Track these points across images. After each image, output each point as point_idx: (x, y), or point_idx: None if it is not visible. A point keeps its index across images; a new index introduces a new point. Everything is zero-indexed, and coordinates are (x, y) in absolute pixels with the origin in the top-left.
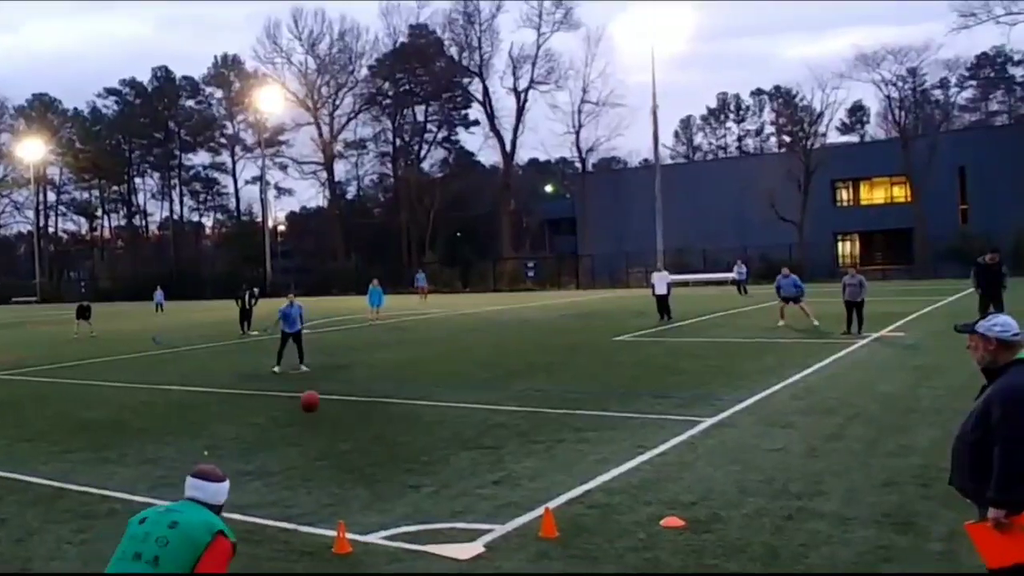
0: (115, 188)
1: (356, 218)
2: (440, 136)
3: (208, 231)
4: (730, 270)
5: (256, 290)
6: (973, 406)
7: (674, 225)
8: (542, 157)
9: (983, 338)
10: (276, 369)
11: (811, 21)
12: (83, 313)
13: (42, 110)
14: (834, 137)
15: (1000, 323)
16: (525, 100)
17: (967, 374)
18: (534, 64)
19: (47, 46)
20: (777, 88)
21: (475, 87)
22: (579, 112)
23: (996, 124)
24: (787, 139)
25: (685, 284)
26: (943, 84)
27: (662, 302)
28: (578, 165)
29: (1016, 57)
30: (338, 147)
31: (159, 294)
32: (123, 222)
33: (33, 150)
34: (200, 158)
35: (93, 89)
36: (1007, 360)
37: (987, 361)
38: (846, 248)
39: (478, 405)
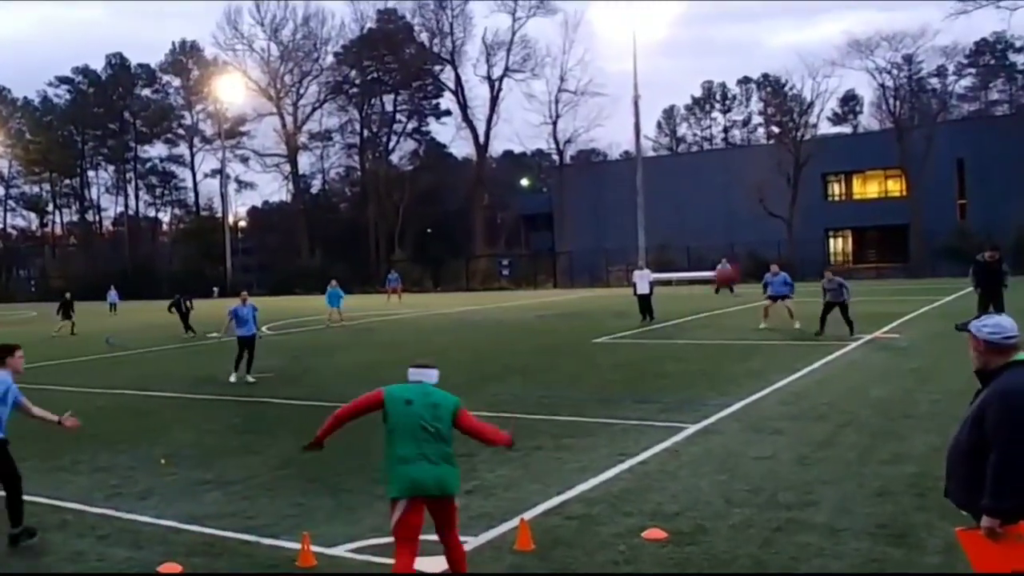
0: (67, 182)
1: (321, 213)
2: (410, 127)
3: (165, 227)
4: (714, 268)
5: (190, 302)
6: (967, 412)
7: (656, 221)
8: (517, 149)
9: (974, 338)
10: (232, 378)
11: (801, 5)
12: (65, 310)
13: None
14: (825, 128)
15: (991, 324)
16: (499, 89)
17: (965, 378)
18: (509, 51)
19: None
20: (765, 76)
21: (447, 75)
22: (556, 102)
23: (996, 114)
24: (776, 130)
25: (668, 283)
26: (940, 72)
27: (644, 302)
28: (555, 158)
29: (1017, 43)
30: (302, 138)
31: (112, 294)
32: (75, 218)
33: None
34: (157, 150)
35: (44, 77)
36: (998, 364)
37: (979, 364)
38: (838, 245)
39: None
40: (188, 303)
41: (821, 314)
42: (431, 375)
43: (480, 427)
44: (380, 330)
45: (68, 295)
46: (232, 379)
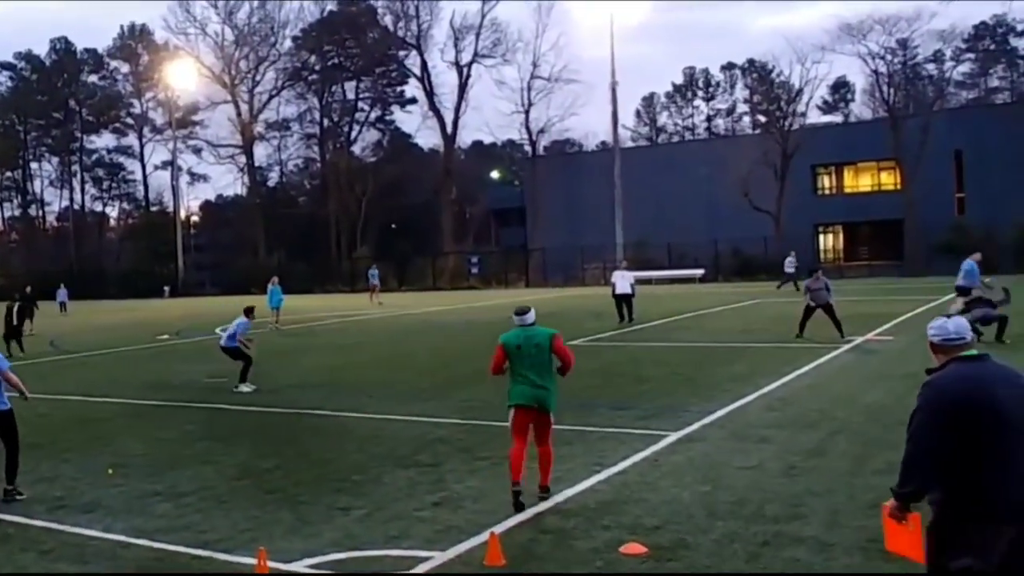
0: (8, 174)
1: (279, 208)
2: (373, 116)
3: (113, 222)
4: (697, 266)
5: (32, 306)
6: None
7: (635, 216)
8: (487, 139)
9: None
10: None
11: None
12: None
13: None
14: (815, 117)
15: (935, 326)
16: (468, 75)
17: None
18: (478, 35)
19: None
20: (751, 62)
21: (412, 61)
22: (529, 89)
23: (996, 102)
24: (762, 119)
25: (648, 282)
26: (937, 57)
27: (623, 302)
28: (528, 148)
29: (1019, 27)
30: (258, 128)
31: (62, 292)
32: (17, 212)
33: None
34: (104, 141)
35: None
36: (942, 362)
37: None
38: (828, 241)
39: (416, 418)
40: (27, 307)
41: (802, 317)
42: (529, 318)
43: (565, 355)
44: (341, 332)
45: (29, 289)
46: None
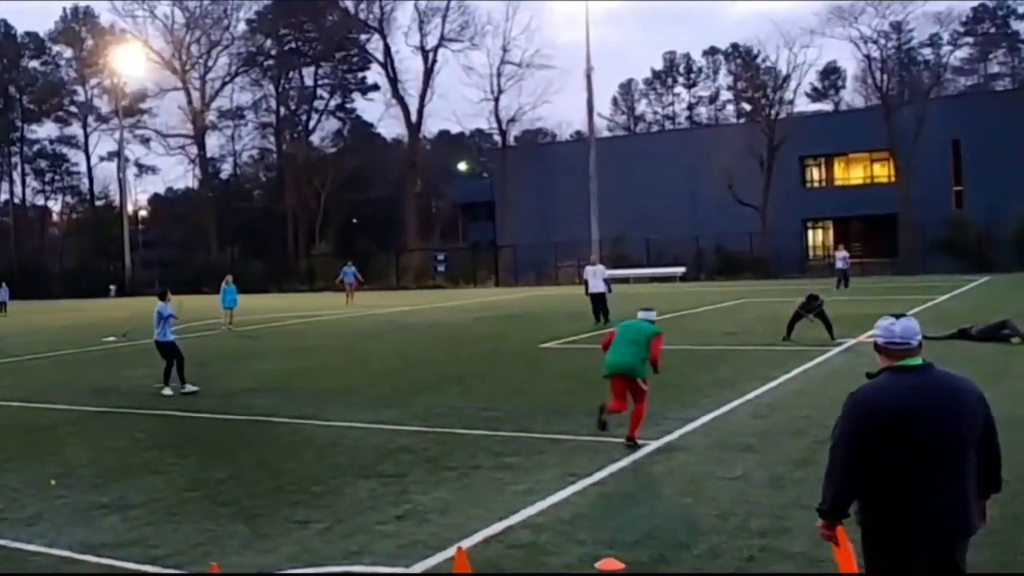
0: None
1: (232, 202)
2: (332, 104)
3: (56, 217)
4: (678, 264)
5: None
6: None
7: (612, 210)
8: (454, 129)
9: None
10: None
11: None
12: None
13: None
14: (803, 105)
15: (881, 326)
16: (434, 61)
17: None
18: (445, 17)
19: None
20: (735, 47)
21: (374, 45)
22: (498, 75)
23: (996, 89)
24: (747, 107)
25: (626, 280)
26: (933, 41)
27: (598, 302)
28: (497, 138)
29: (1020, 9)
30: (211, 117)
31: (2, 292)
32: None
33: None
34: (46, 130)
35: None
36: (882, 367)
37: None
38: (817, 237)
39: (378, 425)
40: None
41: (791, 319)
42: (650, 315)
43: (656, 354)
44: (299, 334)
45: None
46: (167, 392)
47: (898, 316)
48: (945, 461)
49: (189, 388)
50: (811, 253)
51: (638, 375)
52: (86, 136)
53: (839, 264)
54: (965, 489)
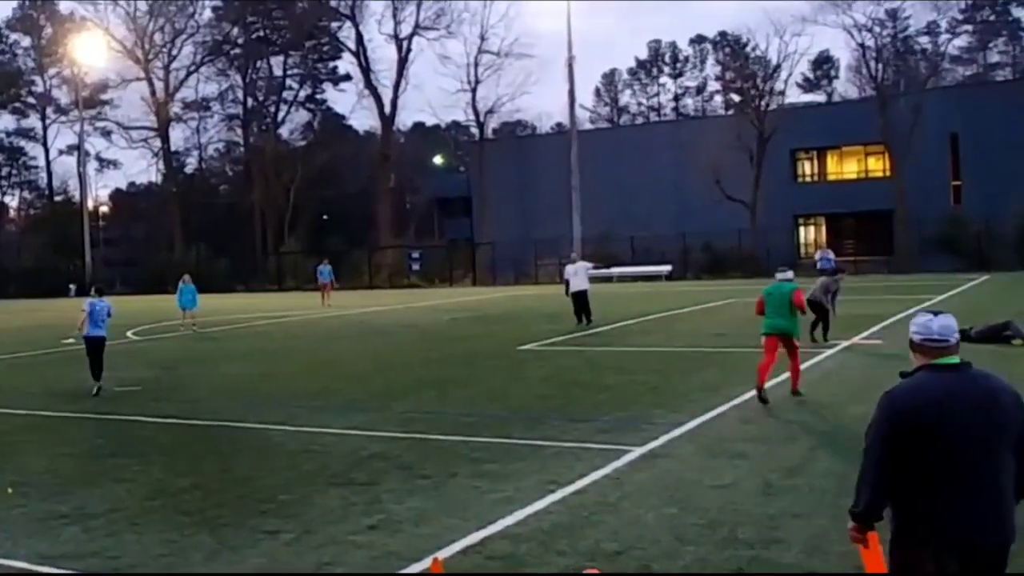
0: None
1: (197, 197)
2: (302, 95)
3: (13, 214)
4: (664, 261)
5: None
6: None
7: (595, 206)
8: (430, 121)
9: None
10: (96, 390)
11: None
12: None
13: None
14: (794, 96)
15: (917, 323)
16: (408, 50)
17: None
18: (420, 5)
19: None
20: (723, 35)
21: (346, 33)
22: (476, 65)
23: (996, 79)
24: (736, 99)
25: (610, 279)
26: (931, 30)
27: (580, 301)
28: (475, 131)
29: None
30: (175, 108)
31: None
32: None
33: None
34: (3, 122)
35: None
36: (917, 365)
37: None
38: (809, 235)
39: (350, 431)
40: None
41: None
42: (787, 275)
43: (800, 303)
44: (267, 335)
45: None
46: (96, 391)
47: (936, 312)
48: (983, 464)
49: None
50: (803, 251)
51: (794, 334)
52: (45, 129)
53: (820, 264)
54: (1004, 494)
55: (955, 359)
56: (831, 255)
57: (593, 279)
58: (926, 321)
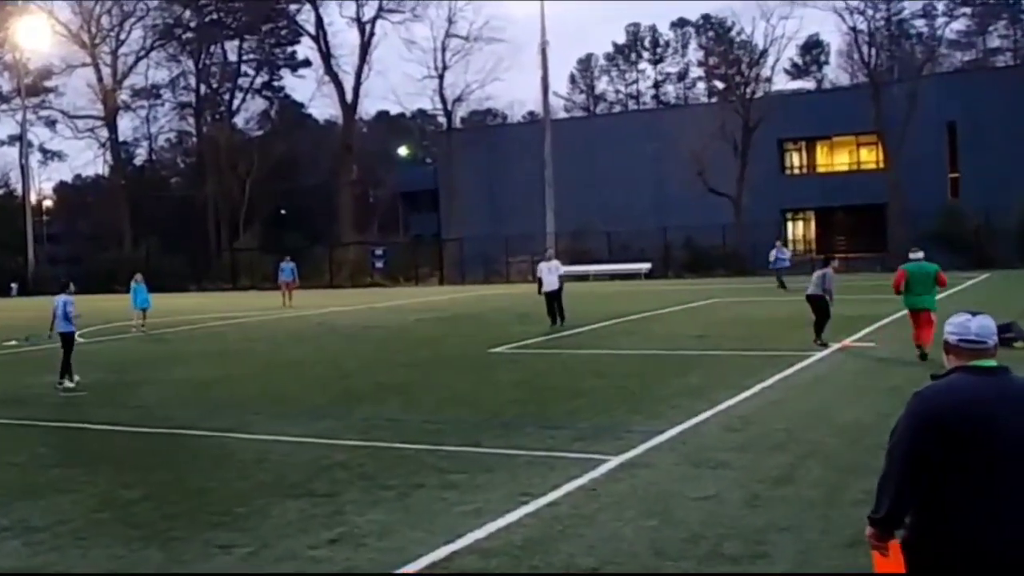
0: None
1: (147, 190)
2: (259, 81)
3: None
4: (643, 259)
5: None
6: None
7: (569, 200)
8: (394, 109)
9: None
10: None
11: None
12: None
13: None
14: (782, 83)
15: (954, 324)
16: (371, 34)
17: None
18: None
19: None
20: (706, 18)
21: (305, 16)
22: (443, 50)
23: (996, 65)
24: (720, 86)
25: (586, 278)
26: (927, 12)
27: (553, 301)
28: (442, 120)
29: None
30: (123, 96)
31: None
32: None
33: None
34: None
35: None
36: (951, 367)
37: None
38: (798, 230)
39: (309, 439)
40: None
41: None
42: (919, 255)
43: (944, 282)
44: (221, 337)
45: None
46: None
47: (974, 312)
48: (1018, 472)
49: (68, 384)
50: (791, 247)
51: (933, 308)
52: None
53: (776, 264)
54: None
55: (992, 362)
56: (787, 253)
57: (565, 277)
58: (963, 321)
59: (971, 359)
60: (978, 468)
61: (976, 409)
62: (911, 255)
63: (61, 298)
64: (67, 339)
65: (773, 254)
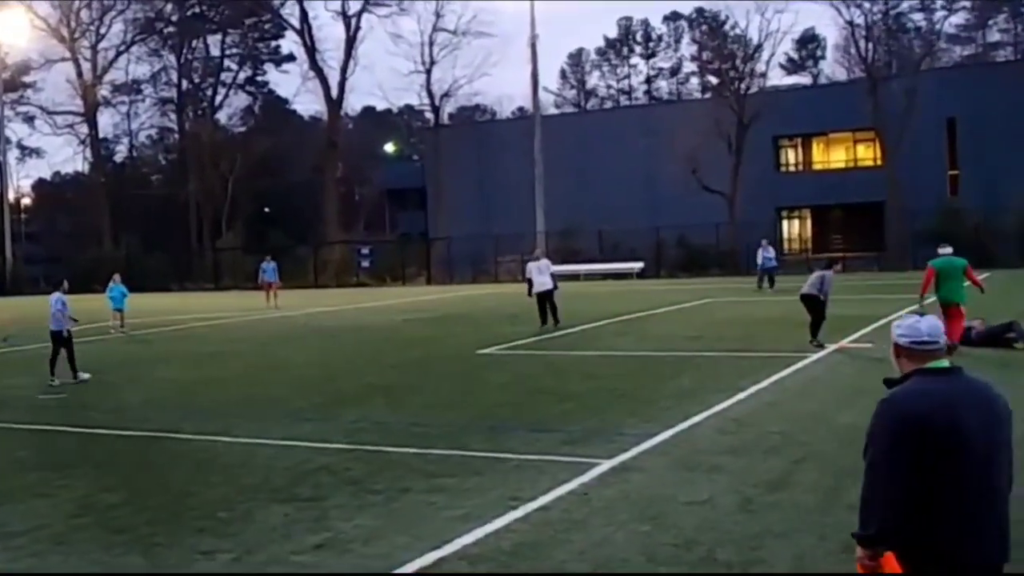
0: None
1: (128, 188)
2: (242, 76)
3: None
4: (635, 258)
5: None
6: None
7: (560, 198)
8: (381, 105)
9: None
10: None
11: None
12: None
13: None
14: (777, 78)
15: (904, 326)
16: (357, 28)
17: None
18: None
19: None
20: (700, 12)
21: (290, 10)
22: (431, 44)
23: (997, 60)
24: (713, 81)
25: (576, 278)
26: (925, 6)
27: (544, 301)
28: (429, 116)
29: None
30: (103, 91)
31: None
32: None
33: None
34: None
35: None
36: (906, 371)
37: (896, 372)
38: (793, 228)
39: (294, 442)
40: None
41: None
42: (947, 250)
43: (975, 278)
44: (204, 338)
45: None
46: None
47: (921, 314)
48: (990, 474)
49: (83, 376)
50: (786, 246)
51: (962, 301)
52: None
53: (763, 264)
54: (1007, 505)
55: (945, 363)
56: (772, 252)
57: (557, 275)
58: (912, 323)
59: (925, 361)
60: (953, 473)
61: (948, 412)
62: (940, 251)
63: (55, 296)
64: (57, 337)
65: (760, 254)
